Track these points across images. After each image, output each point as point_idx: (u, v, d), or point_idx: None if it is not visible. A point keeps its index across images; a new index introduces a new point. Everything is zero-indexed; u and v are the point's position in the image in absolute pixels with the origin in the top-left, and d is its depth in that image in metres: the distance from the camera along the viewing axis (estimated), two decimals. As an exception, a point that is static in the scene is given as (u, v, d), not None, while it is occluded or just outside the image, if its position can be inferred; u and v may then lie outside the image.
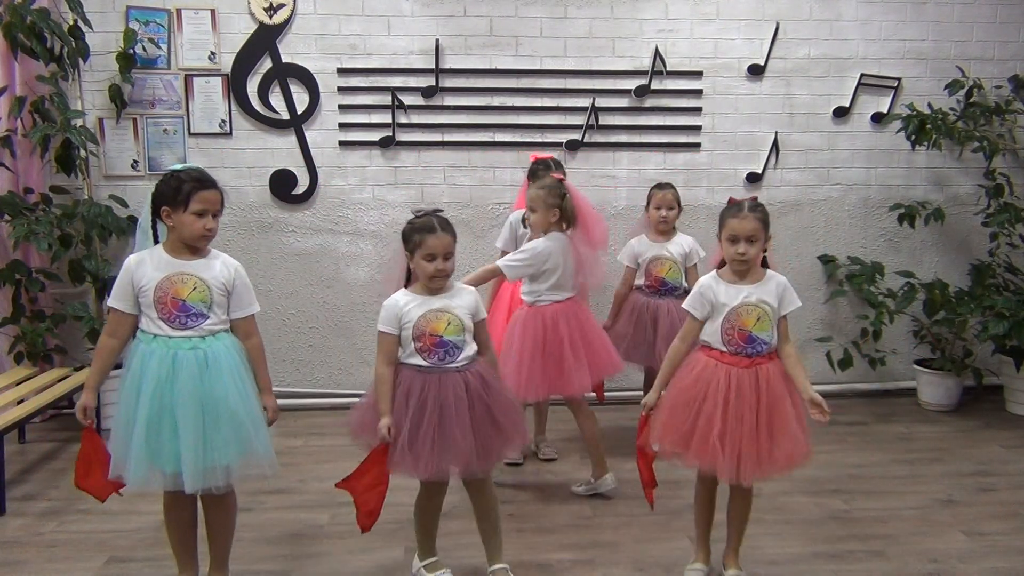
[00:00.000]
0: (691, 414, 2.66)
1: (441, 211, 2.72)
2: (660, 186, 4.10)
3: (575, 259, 3.43)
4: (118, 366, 4.35)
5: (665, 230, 4.07)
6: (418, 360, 2.62)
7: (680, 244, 4.06)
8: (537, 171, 3.92)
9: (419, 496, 2.79)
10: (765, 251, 2.72)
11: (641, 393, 4.78)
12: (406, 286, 2.70)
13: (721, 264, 2.77)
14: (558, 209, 3.38)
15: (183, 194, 2.47)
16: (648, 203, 4.12)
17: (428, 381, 2.60)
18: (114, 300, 2.54)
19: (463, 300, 2.69)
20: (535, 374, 3.37)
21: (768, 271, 2.74)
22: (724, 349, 2.68)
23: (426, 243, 2.59)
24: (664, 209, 4.02)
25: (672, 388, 2.75)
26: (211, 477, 2.47)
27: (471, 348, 2.68)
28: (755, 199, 2.75)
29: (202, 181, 2.50)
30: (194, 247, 2.54)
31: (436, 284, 2.64)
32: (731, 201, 2.74)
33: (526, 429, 2.84)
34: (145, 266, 2.51)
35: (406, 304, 2.64)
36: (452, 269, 2.65)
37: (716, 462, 2.62)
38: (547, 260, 3.37)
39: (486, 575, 2.82)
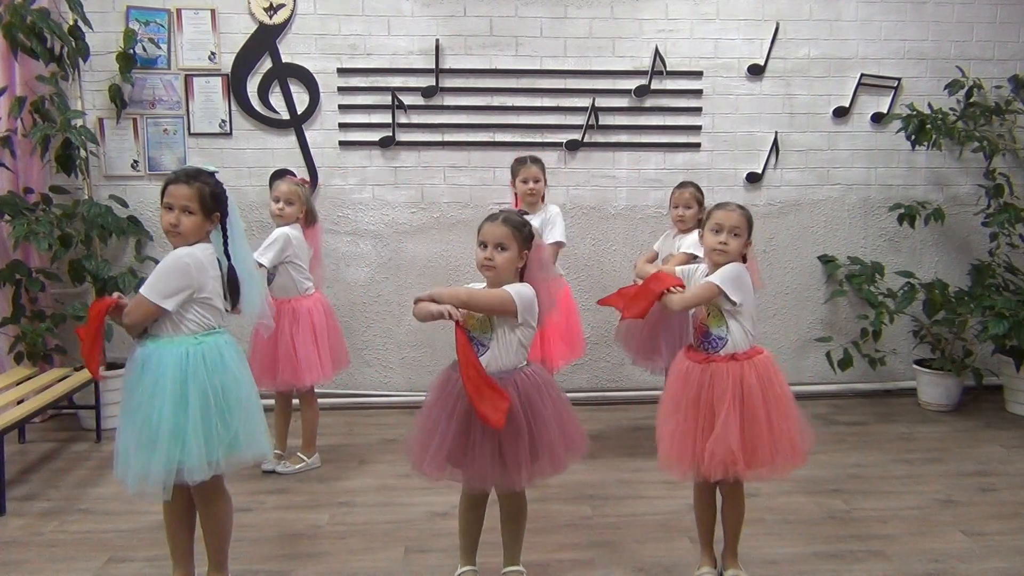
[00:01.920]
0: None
1: (527, 212, 2.71)
2: (680, 184, 4.09)
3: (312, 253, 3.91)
4: (117, 366, 4.40)
5: (684, 229, 4.04)
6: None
7: (689, 240, 4.06)
8: (515, 168, 4.06)
9: (460, 502, 2.75)
10: (745, 256, 2.74)
11: (648, 392, 4.81)
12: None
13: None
14: (306, 206, 3.85)
15: (162, 190, 2.53)
16: (669, 202, 4.13)
17: (453, 380, 2.54)
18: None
19: None
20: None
21: (729, 264, 2.70)
22: (691, 343, 2.77)
23: (481, 230, 2.58)
24: (681, 208, 4.01)
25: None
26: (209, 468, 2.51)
27: (500, 351, 2.54)
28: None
29: (174, 175, 2.54)
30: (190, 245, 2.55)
31: (487, 274, 2.60)
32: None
33: (562, 455, 2.62)
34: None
35: None
36: (501, 264, 2.54)
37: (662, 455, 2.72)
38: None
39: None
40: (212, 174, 2.58)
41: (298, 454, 3.92)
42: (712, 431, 2.61)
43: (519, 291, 2.54)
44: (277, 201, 3.77)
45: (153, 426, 2.42)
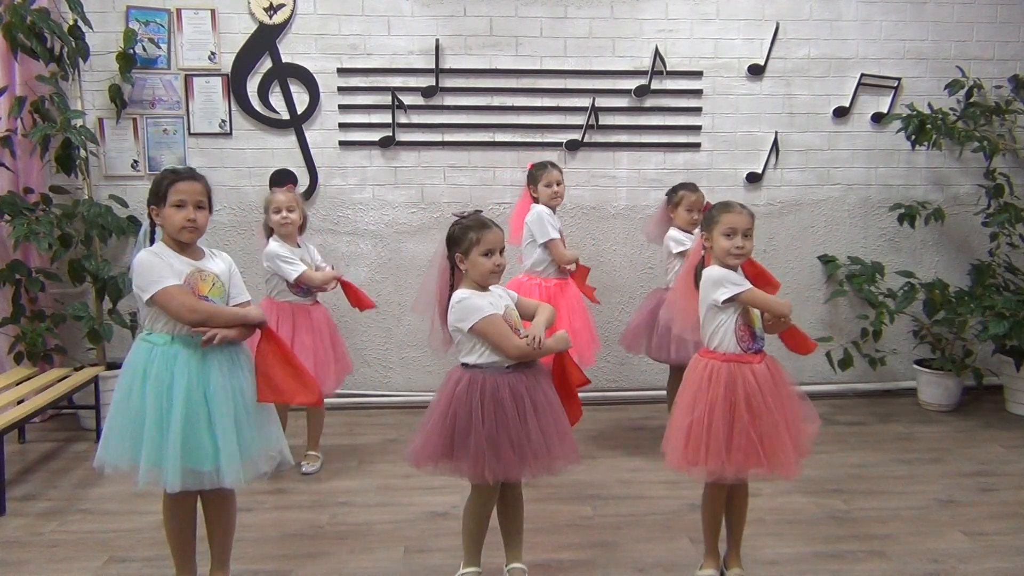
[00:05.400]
0: None
1: (481, 211, 2.71)
2: (693, 188, 4.10)
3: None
4: (114, 366, 4.41)
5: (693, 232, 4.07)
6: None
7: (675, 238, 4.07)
8: (536, 173, 4.05)
9: (468, 500, 2.74)
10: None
11: (648, 392, 4.82)
12: (451, 288, 2.64)
13: (697, 268, 2.78)
14: (304, 216, 3.87)
15: (162, 189, 2.49)
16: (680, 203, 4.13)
17: (456, 377, 2.62)
18: (167, 279, 2.42)
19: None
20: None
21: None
22: (716, 344, 2.75)
23: (484, 239, 2.56)
24: (696, 212, 4.01)
25: None
26: (251, 470, 2.52)
27: (473, 350, 2.60)
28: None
29: (177, 172, 2.53)
30: (188, 245, 2.53)
31: (495, 280, 2.62)
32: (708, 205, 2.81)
33: (549, 455, 2.62)
34: (168, 258, 2.49)
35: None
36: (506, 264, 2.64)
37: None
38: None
39: (503, 573, 2.81)
40: None
41: (311, 453, 3.94)
42: (734, 430, 2.59)
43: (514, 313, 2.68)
44: (279, 211, 3.75)
45: (199, 426, 2.41)
